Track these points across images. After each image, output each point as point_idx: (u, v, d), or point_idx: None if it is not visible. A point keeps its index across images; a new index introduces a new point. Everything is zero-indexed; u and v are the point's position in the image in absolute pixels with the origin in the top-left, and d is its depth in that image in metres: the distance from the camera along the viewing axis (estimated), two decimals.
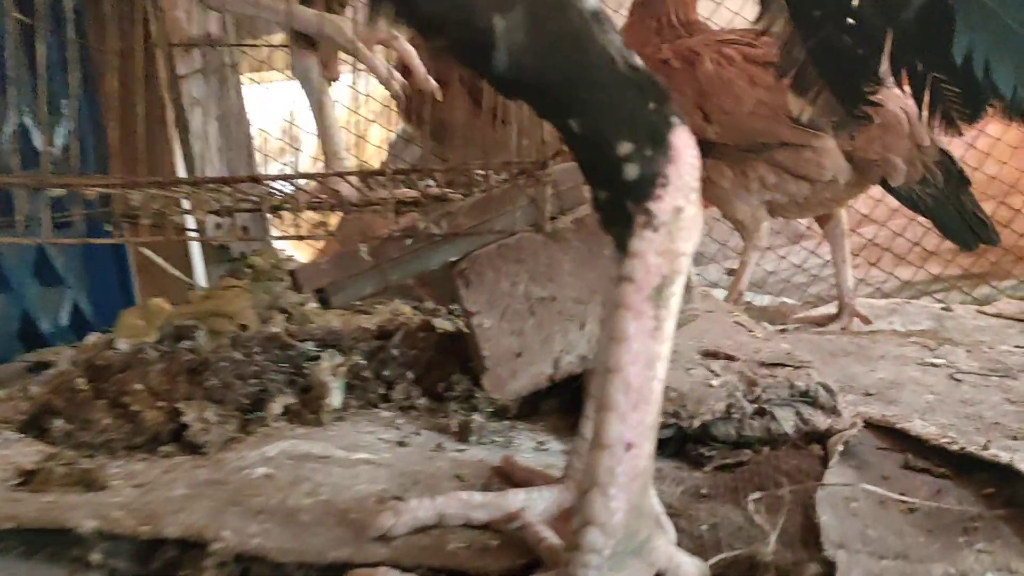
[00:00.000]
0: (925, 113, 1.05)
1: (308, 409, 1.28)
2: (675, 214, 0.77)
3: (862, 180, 1.96)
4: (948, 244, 2.70)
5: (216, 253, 2.15)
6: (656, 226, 0.77)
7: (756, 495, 1.02)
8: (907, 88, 1.07)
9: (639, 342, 0.77)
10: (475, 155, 1.94)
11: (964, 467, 1.07)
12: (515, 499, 0.97)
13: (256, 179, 1.41)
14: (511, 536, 0.94)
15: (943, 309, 2.25)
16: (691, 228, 0.79)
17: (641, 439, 0.78)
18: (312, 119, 1.85)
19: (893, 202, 2.64)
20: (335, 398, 1.30)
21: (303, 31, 1.76)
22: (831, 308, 2.20)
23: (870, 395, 1.38)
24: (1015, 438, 1.17)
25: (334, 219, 2.24)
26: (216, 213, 1.41)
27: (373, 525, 0.92)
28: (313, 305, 1.64)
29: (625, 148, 0.75)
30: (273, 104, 2.61)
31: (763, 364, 1.29)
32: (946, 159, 1.92)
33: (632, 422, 0.77)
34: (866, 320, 2.07)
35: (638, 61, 0.77)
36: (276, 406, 1.29)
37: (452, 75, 2.02)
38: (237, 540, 0.89)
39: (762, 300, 2.70)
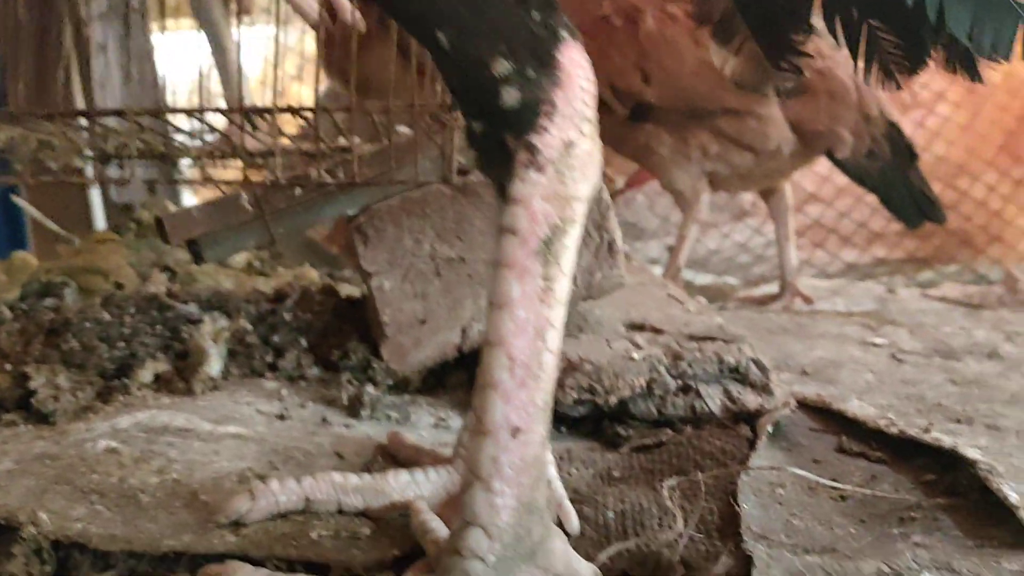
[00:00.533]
0: (860, 64, 0.93)
1: (180, 377, 1.14)
2: (565, 149, 0.64)
3: (807, 151, 1.85)
4: (894, 227, 2.63)
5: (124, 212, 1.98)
6: (541, 165, 0.64)
7: (672, 480, 0.90)
8: (840, 38, 0.95)
9: (525, 308, 0.64)
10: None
11: (903, 451, 0.97)
12: (396, 482, 0.84)
13: (155, 113, 1.24)
14: (387, 523, 0.82)
15: (888, 291, 2.16)
16: (585, 166, 0.66)
17: (530, 422, 0.65)
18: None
19: (840, 181, 2.56)
20: (213, 366, 1.16)
21: None
22: (773, 288, 2.10)
23: (807, 374, 1.27)
24: (958, 421, 1.07)
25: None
26: (104, 157, 1.25)
27: (224, 509, 0.79)
28: (205, 265, 1.49)
29: (502, 67, 0.61)
30: (184, 55, 2.43)
31: (692, 337, 1.17)
32: (894, 132, 1.82)
33: (518, 403, 0.64)
34: (808, 300, 1.97)
35: None
36: (146, 373, 1.14)
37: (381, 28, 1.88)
38: (56, 524, 0.75)
39: (703, 279, 2.59)
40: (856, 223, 2.63)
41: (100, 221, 1.96)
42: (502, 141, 0.63)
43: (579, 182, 0.64)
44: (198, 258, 1.10)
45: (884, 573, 0.68)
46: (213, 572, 0.70)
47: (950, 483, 0.88)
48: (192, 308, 1.27)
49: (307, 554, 0.75)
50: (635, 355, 1.12)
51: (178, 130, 1.24)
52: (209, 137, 1.26)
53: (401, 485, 0.84)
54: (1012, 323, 1.70)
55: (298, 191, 1.15)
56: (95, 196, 1.96)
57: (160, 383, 1.14)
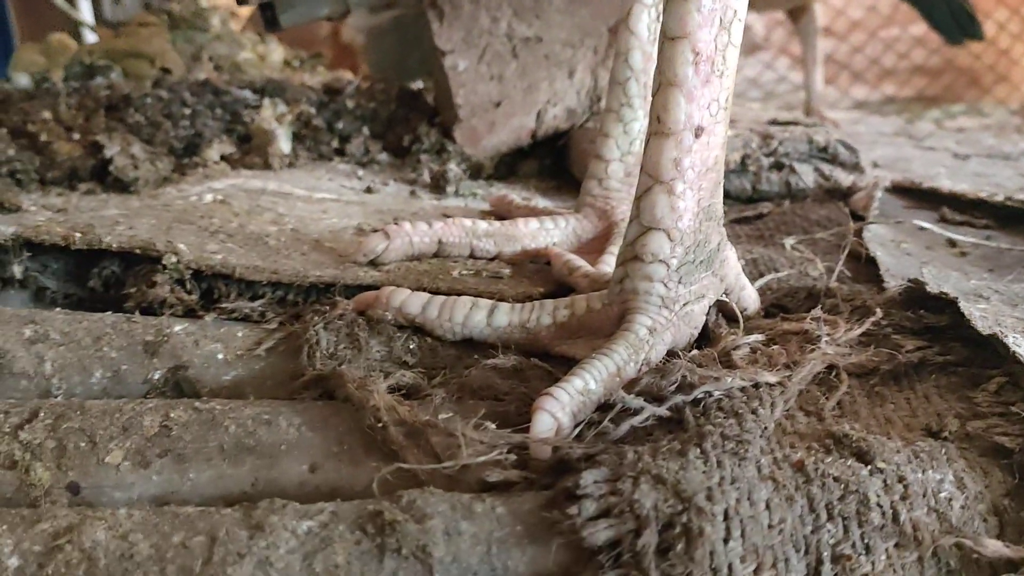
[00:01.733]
0: None
1: (253, 155, 1.09)
2: None
3: None
4: (904, 64, 2.61)
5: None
6: None
7: (791, 239, 0.89)
8: None
9: None
10: None
11: (1009, 222, 0.97)
12: (527, 228, 0.82)
13: None
14: (523, 267, 0.80)
15: (906, 123, 2.16)
16: None
17: (713, 122, 0.62)
18: None
19: (854, 15, 2.52)
20: (283, 144, 1.11)
21: None
22: (797, 113, 2.08)
23: (879, 166, 1.26)
24: None
25: None
26: None
27: (361, 248, 0.76)
28: (246, 56, 1.42)
29: None
30: None
31: (774, 122, 1.15)
32: None
33: (703, 100, 0.61)
34: (836, 123, 1.96)
35: None
36: (212, 152, 1.09)
37: None
38: (196, 255, 0.71)
39: None
40: (868, 59, 2.60)
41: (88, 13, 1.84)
42: None
43: None
44: (272, 23, 1.04)
45: None
46: (369, 298, 0.68)
47: None
48: (248, 93, 1.22)
49: (455, 287, 0.73)
50: None
51: None
52: None
53: (531, 231, 0.82)
54: None
55: None
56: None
57: (232, 163, 1.09)
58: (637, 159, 0.83)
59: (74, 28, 1.59)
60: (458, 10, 1.13)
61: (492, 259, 0.80)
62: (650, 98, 0.83)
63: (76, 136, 1.02)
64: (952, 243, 0.89)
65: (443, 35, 1.13)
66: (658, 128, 0.62)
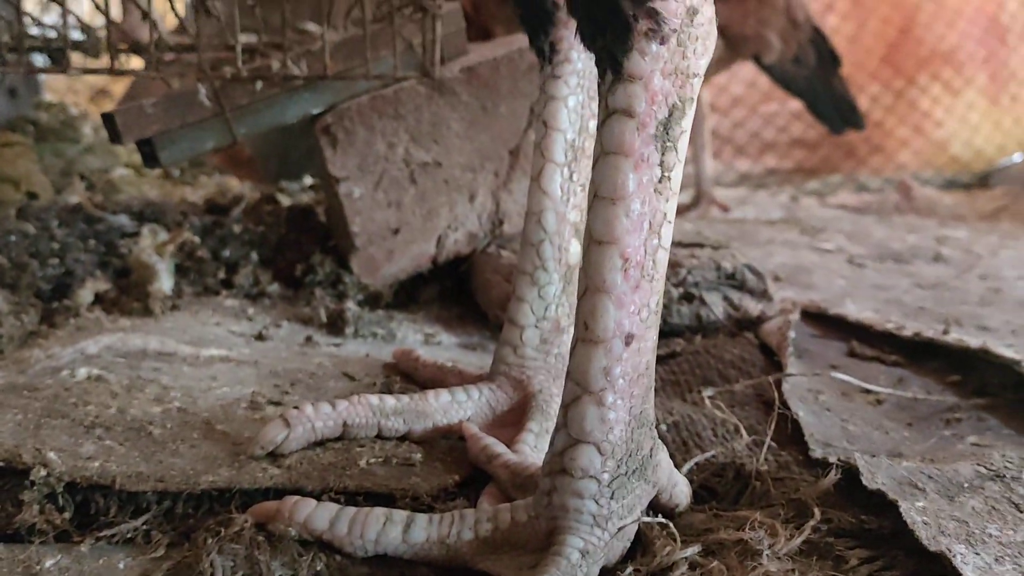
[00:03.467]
0: None
1: (131, 296, 1.01)
2: (689, 17, 0.57)
3: (733, 55, 1.83)
4: (784, 137, 2.68)
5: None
6: (665, 36, 0.56)
7: (710, 391, 0.87)
8: None
9: (641, 200, 0.56)
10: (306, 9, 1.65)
11: (916, 355, 0.97)
12: (437, 403, 0.76)
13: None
14: (434, 447, 0.74)
15: (791, 199, 2.21)
16: (707, 36, 0.59)
17: (644, 328, 0.58)
18: None
19: (736, 91, 2.58)
20: (165, 282, 1.03)
21: None
22: (683, 198, 2.10)
23: (779, 279, 1.26)
24: (948, 323, 1.08)
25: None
26: None
27: (258, 439, 0.69)
28: (121, 172, 1.32)
29: None
30: None
31: (679, 244, 1.13)
32: (819, 38, 1.82)
33: (633, 307, 0.57)
34: (725, 208, 1.98)
35: None
36: (86, 293, 1.00)
37: None
38: (69, 464, 0.63)
39: None
40: (750, 134, 2.66)
41: None
42: (618, 7, 0.55)
43: (700, 55, 0.57)
44: (151, 160, 0.96)
45: (984, 474, 0.67)
46: (270, 509, 0.61)
47: (979, 383, 0.89)
48: (124, 220, 1.13)
49: (364, 484, 0.67)
50: None
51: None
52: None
53: (443, 406, 0.76)
54: (928, 229, 1.75)
55: (259, 85, 1.02)
56: None
57: (106, 304, 1.00)
58: (553, 324, 0.79)
59: None
60: (352, 136, 1.07)
61: (401, 438, 0.75)
62: (564, 260, 0.80)
63: None
64: (867, 390, 0.88)
65: (336, 162, 1.07)
66: (585, 335, 0.58)
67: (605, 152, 0.57)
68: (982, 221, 1.98)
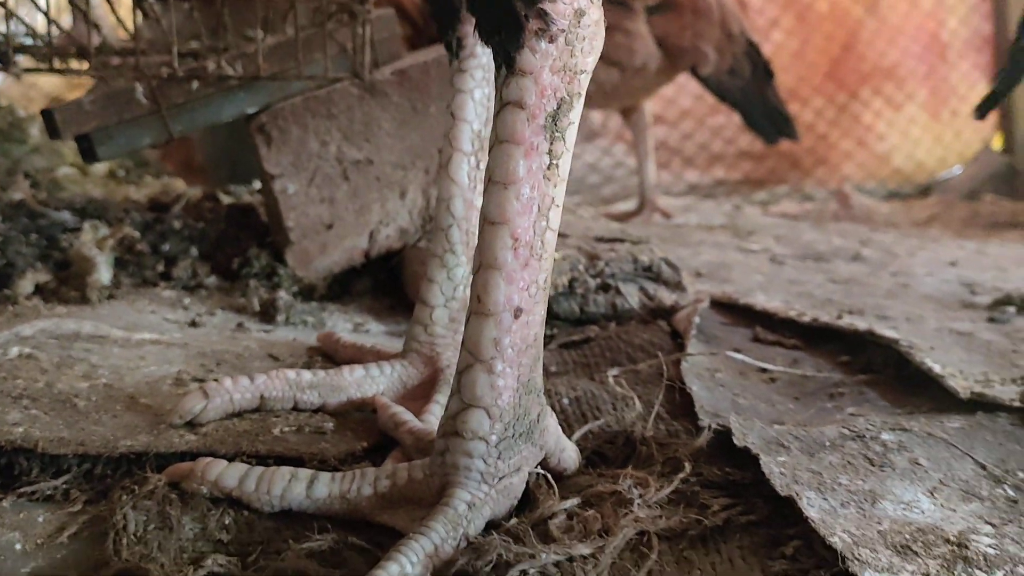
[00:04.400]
0: None
1: (70, 287, 1.05)
2: (576, 18, 0.62)
3: (672, 68, 1.90)
4: (732, 150, 2.76)
5: None
6: (553, 35, 0.62)
7: (615, 370, 0.92)
8: None
9: (530, 185, 0.62)
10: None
11: (814, 340, 1.03)
12: (352, 377, 0.81)
13: None
14: (346, 417, 0.79)
15: (734, 208, 2.28)
16: (594, 36, 0.64)
17: (532, 303, 0.64)
18: None
19: (684, 104, 2.65)
20: (103, 274, 1.07)
21: None
22: (630, 205, 2.17)
23: (701, 275, 1.32)
24: (851, 312, 1.14)
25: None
26: None
27: (178, 409, 0.74)
28: (66, 171, 1.37)
29: None
30: None
31: (600, 239, 1.19)
32: (753, 51, 1.89)
33: (522, 283, 0.63)
34: (667, 214, 2.05)
35: None
36: (26, 283, 1.04)
37: None
38: None
39: None
40: (698, 145, 2.74)
41: None
42: (511, 7, 0.61)
43: (587, 54, 0.63)
44: (89, 155, 1.01)
45: (847, 435, 0.73)
46: (183, 469, 0.66)
47: (865, 362, 0.95)
48: (66, 216, 1.17)
49: (276, 448, 0.72)
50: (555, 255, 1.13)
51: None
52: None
53: (357, 380, 0.81)
54: (857, 233, 1.83)
55: (195, 85, 1.07)
56: None
57: (46, 294, 1.05)
58: (462, 304, 0.84)
59: None
60: (286, 134, 1.13)
61: (316, 410, 0.80)
62: (472, 244, 0.85)
63: None
64: (763, 369, 0.94)
65: (271, 159, 1.12)
66: (478, 308, 0.63)
67: (499, 140, 0.63)
68: (913, 227, 2.06)
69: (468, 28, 0.81)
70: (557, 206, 0.64)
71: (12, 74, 0.99)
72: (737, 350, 1.01)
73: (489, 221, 0.62)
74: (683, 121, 2.68)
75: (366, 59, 1.10)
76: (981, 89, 2.91)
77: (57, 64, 1.03)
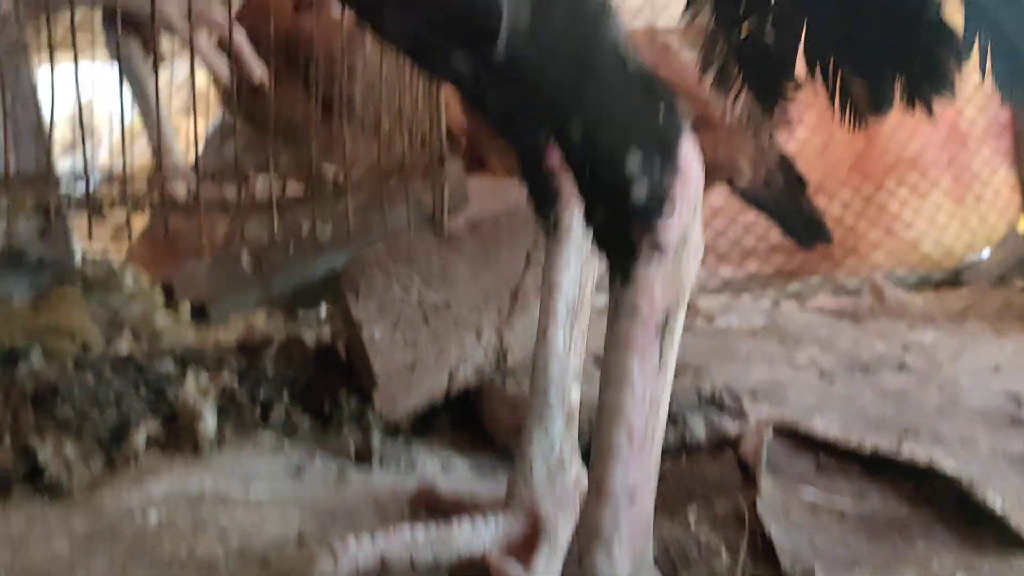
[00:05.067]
0: (836, 104, 1.05)
1: (181, 438, 1.14)
2: (683, 237, 0.71)
3: (709, 180, 1.99)
4: (763, 244, 2.85)
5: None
6: (664, 252, 0.68)
7: (692, 513, 0.99)
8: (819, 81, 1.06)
9: (643, 384, 0.70)
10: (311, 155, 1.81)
11: (875, 465, 1.09)
12: (461, 532, 0.89)
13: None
14: (461, 571, 0.87)
15: (772, 304, 2.35)
16: (697, 252, 0.72)
17: (644, 485, 0.72)
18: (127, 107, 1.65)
19: (715, 202, 2.75)
20: (209, 424, 1.16)
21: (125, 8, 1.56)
22: None
23: (757, 397, 1.39)
24: (906, 430, 1.20)
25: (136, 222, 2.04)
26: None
27: (311, 572, 0.81)
28: (161, 316, 1.46)
29: (634, 160, 0.67)
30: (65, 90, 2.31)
31: None
32: (785, 162, 1.99)
33: (636, 468, 0.71)
34: (709, 319, 2.12)
35: (642, 58, 0.71)
36: (139, 436, 1.13)
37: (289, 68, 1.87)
38: None
39: None
40: (731, 242, 2.83)
41: None
42: (627, 229, 0.69)
43: (692, 267, 0.71)
44: (203, 317, 1.10)
45: None
46: None
47: (929, 492, 1.01)
48: (169, 366, 1.26)
49: None
50: None
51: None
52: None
53: (465, 535, 0.89)
54: (897, 333, 1.90)
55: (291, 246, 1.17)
56: None
57: (158, 445, 1.13)
58: (558, 459, 0.92)
59: None
60: (371, 282, 1.22)
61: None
62: (567, 400, 0.93)
63: (7, 439, 1.04)
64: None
65: (360, 307, 1.22)
66: (598, 489, 0.71)
67: (615, 344, 0.71)
68: (949, 321, 2.13)
69: (565, 208, 0.90)
70: (666, 400, 0.72)
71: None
72: (803, 481, 1.08)
73: (607, 414, 0.70)
74: (715, 219, 2.77)
75: (444, 216, 1.19)
76: (1003, 174, 3.00)
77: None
